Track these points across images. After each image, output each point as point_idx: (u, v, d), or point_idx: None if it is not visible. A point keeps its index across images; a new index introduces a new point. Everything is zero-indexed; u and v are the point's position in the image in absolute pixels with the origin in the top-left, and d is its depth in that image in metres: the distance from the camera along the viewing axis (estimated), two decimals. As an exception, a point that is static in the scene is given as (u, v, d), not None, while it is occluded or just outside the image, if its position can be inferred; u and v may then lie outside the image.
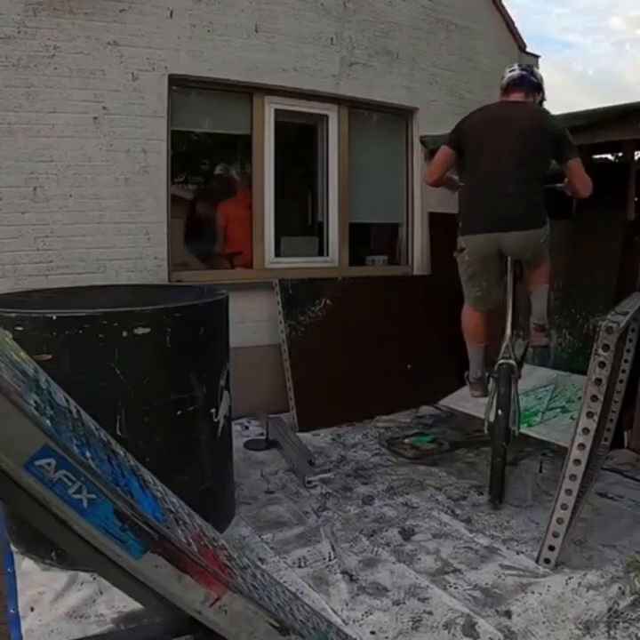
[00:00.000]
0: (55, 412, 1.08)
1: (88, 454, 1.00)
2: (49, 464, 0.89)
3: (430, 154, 5.48)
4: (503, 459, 3.37)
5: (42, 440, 0.88)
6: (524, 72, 3.63)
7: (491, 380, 3.71)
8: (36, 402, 1.00)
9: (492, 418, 3.49)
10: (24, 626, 2.26)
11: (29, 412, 0.89)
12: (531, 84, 3.59)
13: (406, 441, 4.25)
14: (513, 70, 3.65)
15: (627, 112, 3.68)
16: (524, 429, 3.74)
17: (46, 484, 0.89)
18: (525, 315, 3.88)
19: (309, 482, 3.56)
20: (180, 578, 1.00)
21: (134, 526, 0.96)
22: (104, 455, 1.14)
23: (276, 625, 1.12)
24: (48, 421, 0.95)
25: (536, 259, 3.59)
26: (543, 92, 3.68)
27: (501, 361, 3.55)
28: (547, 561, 2.67)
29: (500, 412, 3.40)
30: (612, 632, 2.23)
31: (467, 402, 4.68)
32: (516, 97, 3.56)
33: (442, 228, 5.45)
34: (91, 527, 0.93)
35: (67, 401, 1.31)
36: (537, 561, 2.70)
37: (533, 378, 4.81)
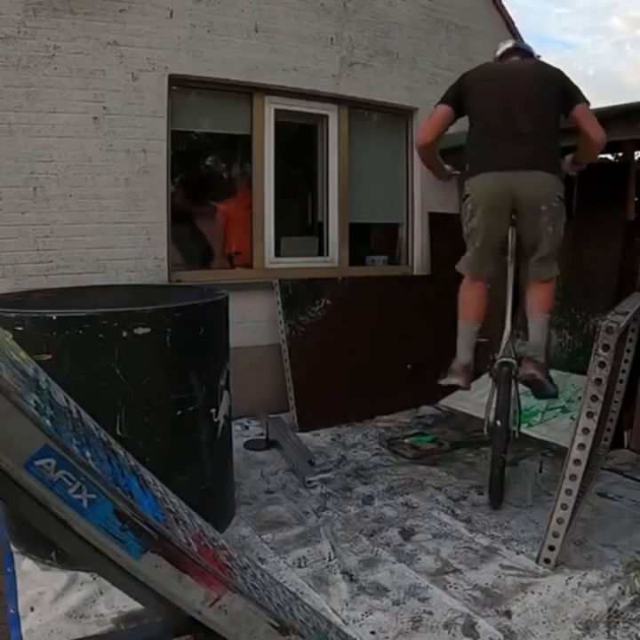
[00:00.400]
0: (55, 412, 1.09)
1: (88, 454, 1.00)
2: (49, 464, 0.89)
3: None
4: (502, 464, 3.29)
5: (42, 440, 0.88)
6: (518, 43, 3.61)
7: (492, 380, 3.43)
8: (36, 402, 1.00)
9: (491, 418, 3.37)
10: (24, 626, 2.26)
11: (29, 412, 0.89)
12: (527, 52, 3.53)
13: (406, 441, 4.25)
14: (507, 42, 3.66)
15: (627, 112, 3.69)
16: (523, 429, 3.73)
17: (46, 484, 0.89)
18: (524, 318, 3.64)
19: (309, 482, 3.56)
20: (180, 578, 1.00)
21: (134, 526, 0.96)
22: (104, 455, 1.14)
23: (276, 625, 1.12)
24: (48, 421, 0.95)
25: (548, 229, 3.22)
26: None
27: (502, 359, 3.36)
28: (547, 561, 2.67)
29: (498, 422, 3.24)
30: (611, 632, 2.23)
31: (467, 402, 4.69)
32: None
33: (442, 228, 5.46)
34: (91, 527, 0.93)
35: (67, 401, 1.31)
36: (537, 561, 2.70)
37: (533, 378, 4.81)
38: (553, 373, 4.75)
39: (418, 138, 3.62)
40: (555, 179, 3.21)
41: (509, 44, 3.60)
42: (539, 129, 3.18)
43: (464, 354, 3.47)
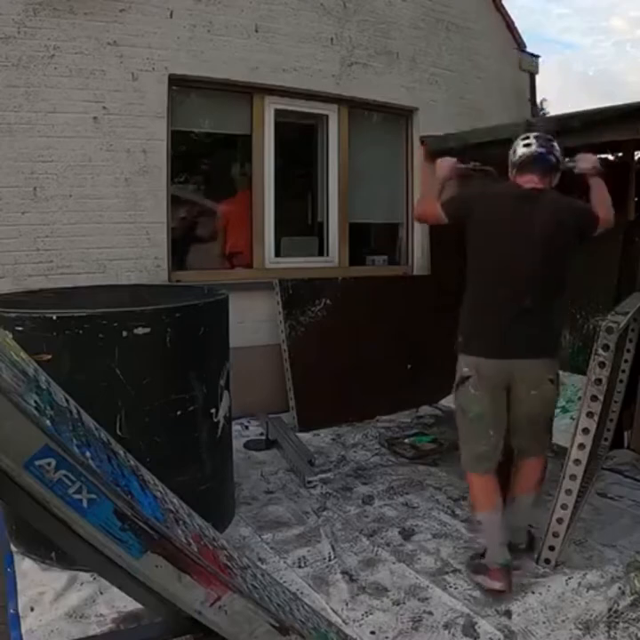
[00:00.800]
0: (55, 412, 1.09)
1: (88, 454, 1.00)
2: (49, 464, 0.89)
3: (430, 155, 5.49)
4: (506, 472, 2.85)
5: (42, 440, 0.88)
6: (541, 150, 2.87)
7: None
8: (36, 402, 1.00)
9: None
10: (24, 626, 2.26)
11: (30, 412, 0.89)
12: (548, 165, 2.88)
13: (406, 441, 4.25)
14: (529, 144, 2.90)
15: (627, 112, 3.68)
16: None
17: (46, 484, 0.89)
18: None
19: (309, 482, 3.56)
20: (180, 577, 1.01)
21: (134, 526, 0.96)
22: (104, 455, 1.14)
23: (276, 625, 1.12)
24: (48, 421, 0.95)
25: (538, 413, 2.80)
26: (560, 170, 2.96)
27: None
28: (547, 561, 2.67)
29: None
30: (611, 632, 2.24)
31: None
32: (531, 181, 2.85)
33: (442, 228, 5.45)
34: (91, 527, 0.93)
35: (67, 401, 1.31)
36: (537, 561, 2.70)
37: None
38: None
39: (416, 212, 3.25)
40: (552, 363, 2.84)
41: (532, 148, 2.88)
42: (545, 302, 2.77)
43: (497, 550, 2.62)
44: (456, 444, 4.13)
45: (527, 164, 2.88)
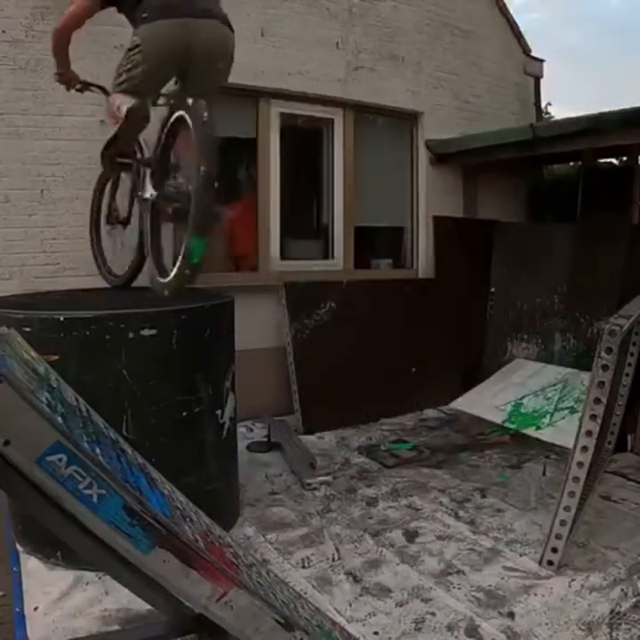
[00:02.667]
0: (66, 409, 1.10)
1: (98, 451, 1.02)
2: (60, 460, 0.91)
3: (436, 158, 5.52)
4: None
5: (54, 436, 0.90)
6: None
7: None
8: (47, 399, 1.02)
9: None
10: (29, 625, 2.27)
11: (42, 408, 0.91)
12: None
13: (383, 448, 4.21)
14: None
15: (631, 117, 3.69)
16: (532, 433, 3.71)
17: (57, 480, 0.91)
18: None
19: (308, 484, 3.56)
20: (188, 573, 1.02)
21: (143, 522, 0.97)
22: (113, 453, 1.16)
23: (282, 621, 1.13)
24: (59, 418, 0.97)
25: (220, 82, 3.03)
26: None
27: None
28: (550, 563, 2.67)
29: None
30: (614, 634, 2.24)
31: (474, 406, 4.70)
32: None
33: (446, 232, 5.48)
34: (100, 522, 0.95)
35: (76, 400, 1.33)
36: (540, 563, 2.70)
37: (542, 376, 4.81)
38: (562, 371, 4.64)
39: (61, 24, 3.06)
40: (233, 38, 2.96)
41: None
42: None
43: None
44: (438, 448, 4.09)
45: None
